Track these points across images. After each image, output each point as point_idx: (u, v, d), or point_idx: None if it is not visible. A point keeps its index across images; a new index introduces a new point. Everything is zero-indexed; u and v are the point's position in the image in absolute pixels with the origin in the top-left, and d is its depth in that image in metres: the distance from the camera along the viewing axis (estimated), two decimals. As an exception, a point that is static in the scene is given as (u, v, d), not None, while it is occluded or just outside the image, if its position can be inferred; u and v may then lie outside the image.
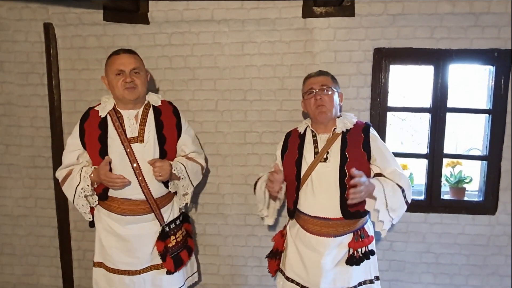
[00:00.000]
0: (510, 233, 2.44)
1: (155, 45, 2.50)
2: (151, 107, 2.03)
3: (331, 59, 2.41)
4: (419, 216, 2.48)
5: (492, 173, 2.41)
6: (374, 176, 1.81)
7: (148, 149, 1.94)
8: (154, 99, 2.07)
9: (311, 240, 1.88)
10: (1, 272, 2.82)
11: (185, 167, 2.00)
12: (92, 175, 1.89)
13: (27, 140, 2.66)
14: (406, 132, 7.30)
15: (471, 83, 4.77)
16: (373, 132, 1.88)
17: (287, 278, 1.99)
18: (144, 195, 1.94)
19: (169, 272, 2.02)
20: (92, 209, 2.01)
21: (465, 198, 2.51)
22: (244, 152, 2.56)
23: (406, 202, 1.78)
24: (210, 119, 2.55)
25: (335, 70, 2.38)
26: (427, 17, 2.31)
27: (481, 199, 2.47)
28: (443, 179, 2.49)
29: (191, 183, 2.07)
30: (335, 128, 1.88)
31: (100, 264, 2.04)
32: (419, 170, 2.71)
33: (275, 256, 2.08)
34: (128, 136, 1.93)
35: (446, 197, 2.53)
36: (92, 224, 2.06)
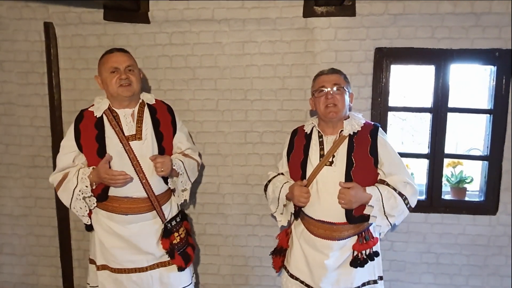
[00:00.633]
0: (510, 233, 2.44)
1: (155, 45, 2.49)
2: (146, 105, 2.03)
3: (332, 59, 2.40)
4: (420, 216, 2.48)
5: (493, 173, 2.41)
6: (378, 181, 1.81)
7: (146, 146, 1.94)
8: (148, 97, 2.07)
9: (315, 242, 1.87)
10: (1, 271, 2.82)
11: (183, 163, 2.02)
12: (90, 175, 1.86)
13: (27, 140, 2.66)
14: (406, 132, 7.29)
15: (472, 83, 4.76)
16: (381, 135, 1.84)
17: (291, 276, 1.98)
18: (146, 192, 1.93)
19: (180, 269, 2.02)
20: (89, 212, 1.99)
21: (466, 198, 2.51)
22: (244, 152, 2.55)
23: (409, 207, 1.79)
24: (211, 119, 2.54)
25: None
26: (428, 17, 2.30)
27: (482, 199, 2.46)
28: (443, 179, 2.48)
29: (189, 179, 2.09)
30: (342, 130, 1.83)
31: (104, 267, 2.01)
32: (420, 170, 2.71)
33: (280, 253, 2.09)
34: (126, 134, 1.92)
35: (446, 197, 2.53)
36: (90, 227, 2.03)
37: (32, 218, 2.74)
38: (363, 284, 1.89)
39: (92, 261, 2.10)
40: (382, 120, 2.43)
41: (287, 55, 2.43)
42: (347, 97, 1.85)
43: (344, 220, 1.79)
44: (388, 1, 2.29)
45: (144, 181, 1.92)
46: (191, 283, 2.14)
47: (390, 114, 2.46)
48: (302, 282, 1.95)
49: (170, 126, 2.07)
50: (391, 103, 2.44)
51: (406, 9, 2.30)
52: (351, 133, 1.81)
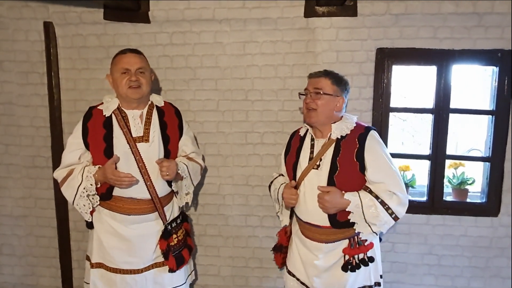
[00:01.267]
0: (512, 235, 2.42)
1: (156, 45, 2.48)
2: (155, 108, 2.04)
3: (333, 59, 2.39)
4: (421, 218, 2.47)
5: (495, 175, 2.40)
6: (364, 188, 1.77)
7: (153, 148, 1.95)
8: (157, 99, 2.08)
9: (306, 242, 1.89)
10: (1, 272, 2.80)
11: (187, 167, 2.04)
12: (96, 174, 1.88)
13: (27, 140, 2.65)
14: (406, 133, 7.29)
15: (472, 83, 4.75)
16: (371, 139, 1.76)
17: (289, 272, 2.00)
18: (150, 194, 1.94)
19: (171, 270, 2.03)
20: (92, 209, 1.99)
21: (468, 200, 2.49)
22: (245, 153, 2.54)
23: (395, 217, 1.73)
24: (211, 119, 2.53)
25: (337, 70, 2.29)
26: (430, 17, 2.29)
27: (483, 200, 2.45)
28: (445, 181, 2.46)
29: (192, 183, 2.12)
30: (331, 134, 1.82)
31: (99, 265, 2.02)
32: (421, 171, 2.69)
33: (280, 250, 2.10)
34: (133, 136, 1.93)
35: (448, 198, 2.51)
36: (90, 225, 2.04)
37: (31, 218, 2.73)
38: None
39: (88, 258, 2.11)
40: (383, 121, 2.41)
41: (288, 55, 2.42)
42: (331, 102, 1.78)
43: (328, 223, 1.78)
44: (390, 1, 2.28)
45: (148, 183, 1.93)
46: (184, 283, 2.15)
47: (391, 114, 2.44)
48: (298, 279, 1.95)
49: (176, 129, 2.08)
50: (392, 104, 2.42)
51: (408, 9, 2.28)
52: (339, 137, 1.79)
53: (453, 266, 2.49)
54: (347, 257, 1.81)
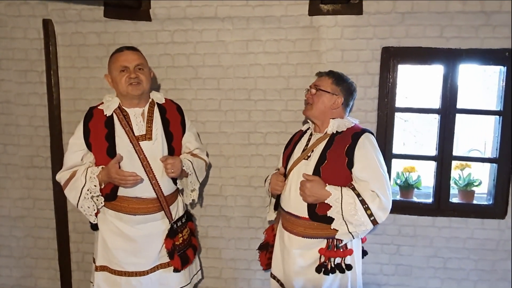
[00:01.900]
0: (519, 237, 2.39)
1: (157, 43, 2.45)
2: (156, 105, 2.03)
3: (338, 58, 2.35)
4: (427, 220, 2.43)
5: (502, 176, 2.35)
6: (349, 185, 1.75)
7: (156, 146, 1.94)
8: (158, 97, 2.07)
9: (285, 237, 1.88)
10: (-2, 274, 2.77)
11: (192, 163, 2.03)
12: (99, 175, 1.86)
13: (25, 140, 2.62)
14: (408, 133, 7.26)
15: (476, 83, 4.72)
16: (365, 139, 1.76)
17: (271, 274, 2.00)
18: (155, 192, 1.93)
19: (176, 270, 2.02)
20: (96, 211, 1.96)
21: (474, 202, 2.45)
22: (248, 153, 2.51)
23: (373, 221, 1.69)
24: (213, 119, 2.50)
25: (342, 70, 2.28)
26: (437, 15, 2.25)
27: (490, 202, 2.41)
28: (451, 182, 2.42)
29: (197, 179, 2.11)
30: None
31: (104, 268, 1.99)
32: (426, 172, 2.66)
33: (266, 248, 2.08)
34: (136, 134, 1.92)
35: (454, 200, 2.47)
36: (95, 227, 2.01)
37: (30, 219, 2.70)
38: None
39: (95, 261, 2.08)
40: (389, 121, 2.38)
41: (292, 54, 2.38)
42: (327, 100, 1.82)
43: (306, 215, 1.77)
44: (396, 0, 2.24)
45: (154, 181, 1.92)
46: (189, 283, 2.15)
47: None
48: (278, 281, 1.95)
49: (179, 126, 2.07)
50: (398, 104, 2.38)
51: (415, 7, 2.24)
52: (334, 132, 1.82)
53: (459, 269, 2.46)
54: (322, 258, 1.78)
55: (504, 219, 2.38)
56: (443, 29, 2.27)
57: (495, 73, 2.48)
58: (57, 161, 2.51)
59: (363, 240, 1.98)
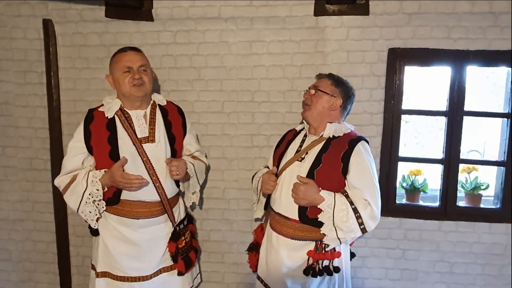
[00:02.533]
0: (527, 242, 2.35)
1: (159, 44, 2.41)
2: (158, 107, 2.01)
3: (343, 60, 2.32)
4: (433, 224, 2.39)
5: (510, 180, 2.32)
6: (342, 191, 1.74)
7: (159, 148, 1.92)
8: (160, 98, 2.05)
9: (272, 237, 1.87)
10: (-3, 278, 2.74)
11: (193, 166, 2.02)
12: (102, 178, 1.83)
13: (25, 142, 2.58)
14: (409, 135, 7.23)
15: (482, 84, 4.69)
16: (361, 147, 1.76)
17: (258, 277, 1.97)
18: (159, 195, 1.91)
19: (180, 274, 2.01)
20: (98, 216, 1.93)
21: (481, 205, 2.42)
22: (251, 156, 2.47)
23: (363, 229, 1.69)
24: (216, 121, 2.47)
25: (348, 71, 2.32)
26: (444, 16, 2.22)
27: (498, 206, 2.37)
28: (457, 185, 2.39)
29: (198, 182, 2.10)
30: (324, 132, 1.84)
31: (105, 274, 1.95)
32: (432, 175, 2.62)
33: (256, 249, 2.05)
34: (139, 136, 1.89)
35: (460, 204, 2.44)
36: (95, 232, 1.97)
37: (29, 222, 2.67)
38: None
39: (94, 267, 2.05)
40: (395, 123, 2.34)
41: (297, 55, 2.35)
42: (325, 101, 1.81)
43: (296, 217, 1.76)
44: (403, 0, 2.20)
45: (157, 184, 1.90)
46: (192, 286, 2.15)
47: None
48: (263, 281, 1.93)
49: (181, 128, 2.05)
50: (404, 106, 2.34)
51: (422, 8, 2.21)
52: (331, 136, 1.80)
53: (466, 274, 2.42)
54: (311, 260, 1.77)
55: (512, 223, 2.34)
56: (450, 30, 2.24)
57: (501, 75, 2.44)
58: (57, 164, 2.47)
59: (350, 243, 1.96)
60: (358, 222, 1.68)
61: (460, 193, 2.44)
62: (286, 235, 1.81)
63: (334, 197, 1.69)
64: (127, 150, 1.86)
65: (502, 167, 2.35)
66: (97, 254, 1.98)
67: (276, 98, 2.40)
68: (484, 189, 2.42)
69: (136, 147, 1.87)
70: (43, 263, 2.70)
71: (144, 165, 1.87)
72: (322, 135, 1.82)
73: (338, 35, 2.30)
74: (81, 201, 1.84)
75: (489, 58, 2.24)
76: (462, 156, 2.35)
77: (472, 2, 2.18)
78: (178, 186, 2.01)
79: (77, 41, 2.45)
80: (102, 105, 1.96)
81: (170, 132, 1.99)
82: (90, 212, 1.87)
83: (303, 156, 1.81)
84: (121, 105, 1.93)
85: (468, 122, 2.34)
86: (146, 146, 1.89)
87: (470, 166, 2.41)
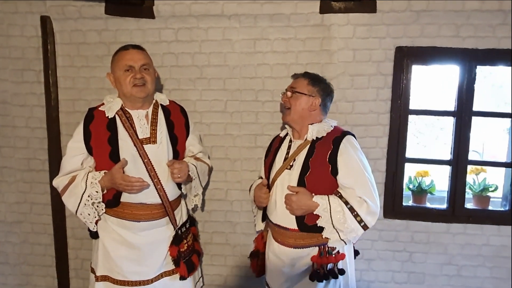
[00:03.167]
0: (536, 244, 2.31)
1: (160, 41, 2.37)
2: (160, 107, 1.96)
3: (349, 58, 2.27)
4: (441, 226, 2.35)
5: (519, 181, 2.28)
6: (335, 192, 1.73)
7: (161, 150, 1.88)
8: (162, 98, 2.01)
9: (275, 247, 1.85)
10: (-6, 282, 2.70)
11: (196, 168, 1.98)
12: (102, 180, 1.79)
13: (22, 142, 2.54)
14: (411, 135, 7.20)
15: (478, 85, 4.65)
16: (346, 143, 1.74)
17: (265, 283, 1.96)
18: (160, 198, 1.87)
19: (182, 278, 1.97)
20: (97, 218, 1.89)
21: (490, 207, 2.38)
22: (254, 157, 2.42)
23: (364, 226, 1.68)
24: (219, 121, 2.42)
25: (354, 70, 2.28)
26: (453, 14, 2.17)
27: (506, 208, 2.33)
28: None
29: (201, 184, 2.06)
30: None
31: (105, 278, 1.91)
32: (439, 176, 2.58)
33: (257, 256, 2.03)
34: (140, 137, 1.85)
35: (468, 206, 2.40)
36: (95, 235, 1.93)
37: (26, 225, 2.62)
38: None
39: (93, 271, 2.01)
40: (402, 123, 2.30)
41: (302, 54, 2.30)
42: (304, 102, 1.78)
43: (295, 226, 1.75)
44: (411, -2, 2.16)
45: (159, 186, 1.86)
46: None
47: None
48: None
49: (183, 128, 2.02)
50: (411, 106, 2.30)
51: (430, 5, 2.17)
52: (314, 138, 1.78)
53: (474, 277, 2.38)
54: (315, 265, 1.75)
55: (521, 225, 2.30)
56: (459, 28, 2.20)
57: (498, 75, 2.40)
58: (55, 164, 2.43)
59: (354, 242, 1.93)
60: (357, 221, 1.66)
61: (468, 194, 2.40)
62: (288, 245, 1.79)
63: (328, 200, 1.68)
64: (128, 151, 1.82)
65: (510, 168, 2.31)
66: (97, 258, 1.94)
67: (280, 97, 2.34)
68: (492, 191, 2.38)
69: (137, 148, 1.83)
70: (41, 266, 2.66)
71: (145, 167, 1.83)
72: (306, 138, 1.80)
73: (344, 33, 2.25)
74: (79, 203, 1.80)
75: (498, 57, 2.20)
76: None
77: (482, 0, 2.13)
78: (180, 188, 1.97)
79: (76, 38, 2.41)
80: (103, 104, 1.92)
81: (173, 132, 1.94)
82: (89, 214, 1.83)
83: (291, 164, 1.79)
84: (122, 105, 1.89)
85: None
86: (148, 147, 1.85)
87: (478, 167, 2.37)
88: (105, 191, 1.82)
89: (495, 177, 2.50)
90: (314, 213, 1.68)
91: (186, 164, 1.90)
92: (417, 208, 2.40)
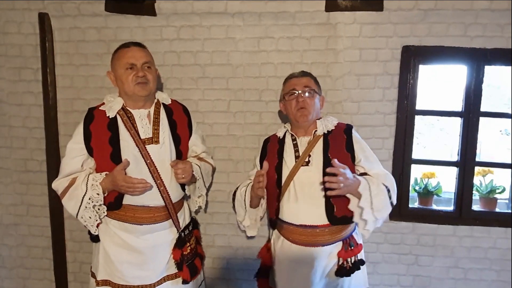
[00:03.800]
0: (544, 247, 2.29)
1: (162, 39, 2.32)
2: (162, 106, 1.91)
3: (355, 58, 2.23)
4: (448, 229, 2.32)
5: (526, 183, 2.25)
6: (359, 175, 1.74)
7: (164, 150, 1.84)
8: (164, 97, 1.96)
9: (298, 252, 1.78)
10: (-11, 285, 2.65)
11: (199, 168, 1.94)
12: (103, 182, 1.74)
13: (19, 142, 2.49)
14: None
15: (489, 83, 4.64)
16: (355, 133, 1.83)
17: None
18: (163, 200, 1.83)
19: (185, 282, 1.92)
20: (98, 221, 1.84)
21: (497, 209, 2.35)
22: (258, 158, 2.37)
23: (391, 203, 1.72)
24: (222, 121, 2.38)
25: (360, 69, 2.24)
26: (461, 13, 2.14)
27: (513, 210, 2.30)
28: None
29: (204, 185, 2.02)
30: (316, 131, 1.81)
31: (106, 283, 1.86)
32: (444, 177, 2.55)
33: (265, 273, 1.93)
34: (142, 137, 1.80)
35: (474, 208, 2.36)
36: (95, 238, 1.88)
37: (23, 227, 2.58)
38: None
39: (94, 275, 1.96)
40: (408, 124, 2.26)
41: (307, 53, 2.26)
42: (317, 101, 1.83)
43: (325, 221, 1.72)
44: (419, -4, 2.13)
45: (162, 188, 1.81)
46: None
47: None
48: None
49: (186, 128, 1.97)
50: (418, 106, 2.26)
51: (438, 4, 2.13)
52: (325, 132, 1.80)
53: (481, 280, 2.35)
54: (341, 261, 1.74)
55: (528, 228, 2.28)
56: (467, 28, 2.17)
57: (496, 75, 2.38)
58: (53, 165, 2.39)
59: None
60: (388, 196, 1.69)
61: (474, 196, 2.37)
62: (316, 244, 1.74)
63: (361, 177, 1.68)
64: (130, 152, 1.77)
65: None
66: (98, 262, 1.89)
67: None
68: (499, 193, 2.35)
69: (139, 149, 1.78)
70: (38, 269, 2.61)
71: (148, 167, 1.78)
72: (314, 133, 1.80)
73: (351, 31, 2.21)
74: (80, 205, 1.75)
75: (507, 57, 2.17)
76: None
77: (491, -1, 2.11)
78: (183, 189, 1.92)
79: (75, 36, 2.36)
80: (103, 103, 1.87)
81: (175, 132, 1.90)
82: (90, 217, 1.78)
83: (307, 160, 1.76)
84: (123, 104, 1.84)
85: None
86: (150, 148, 1.80)
87: (486, 168, 2.34)
88: (106, 194, 1.77)
89: (502, 178, 2.47)
90: (358, 190, 1.63)
91: (190, 164, 1.85)
92: (423, 210, 2.36)
